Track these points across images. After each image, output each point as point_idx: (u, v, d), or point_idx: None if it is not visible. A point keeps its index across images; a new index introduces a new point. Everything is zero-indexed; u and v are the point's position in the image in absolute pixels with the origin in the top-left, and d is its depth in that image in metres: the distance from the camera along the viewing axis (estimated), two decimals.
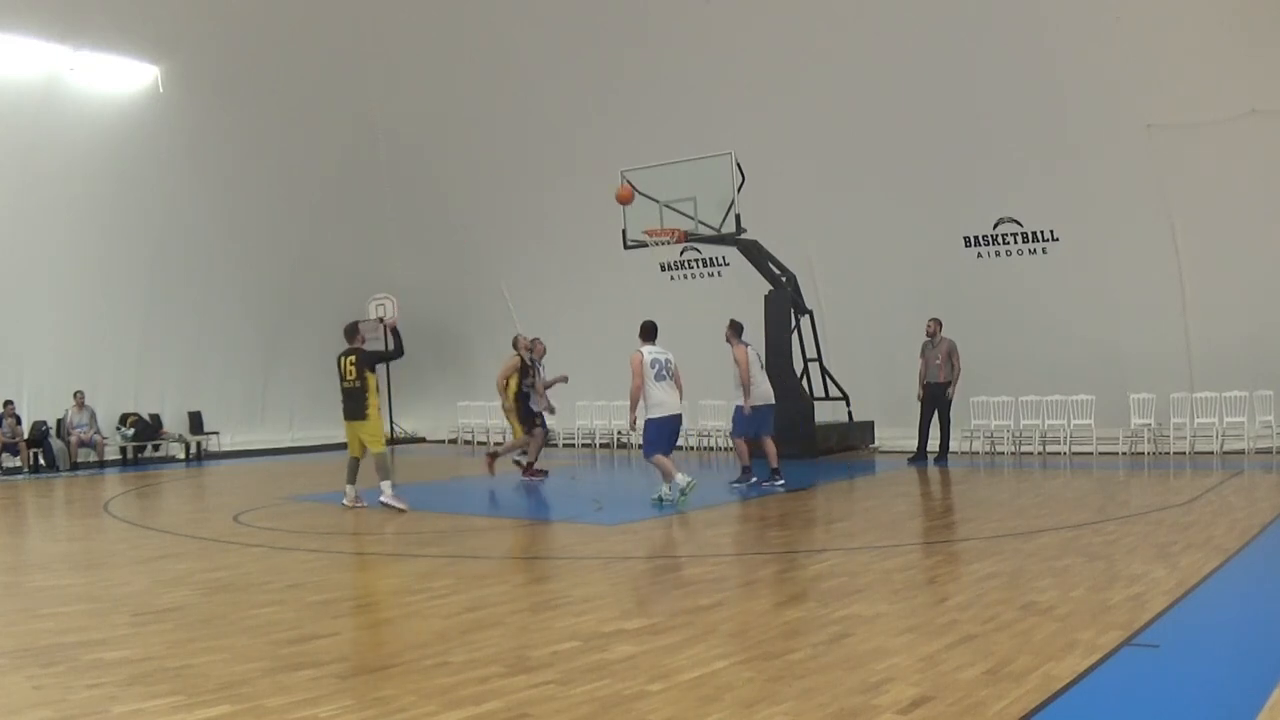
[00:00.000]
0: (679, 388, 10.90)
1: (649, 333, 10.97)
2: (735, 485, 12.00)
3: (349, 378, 10.88)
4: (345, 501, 11.09)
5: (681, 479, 10.64)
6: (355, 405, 10.90)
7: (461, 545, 8.68)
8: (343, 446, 11.80)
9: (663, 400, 10.65)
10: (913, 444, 14.80)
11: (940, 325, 14.49)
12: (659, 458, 10.71)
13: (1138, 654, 4.81)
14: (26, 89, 17.20)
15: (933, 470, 13.75)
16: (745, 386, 11.65)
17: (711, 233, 15.23)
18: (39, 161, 17.35)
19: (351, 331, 11.16)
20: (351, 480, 11.13)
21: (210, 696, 4.48)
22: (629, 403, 10.79)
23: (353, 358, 10.88)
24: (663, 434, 10.75)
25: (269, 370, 21.32)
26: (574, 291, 20.12)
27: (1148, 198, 14.45)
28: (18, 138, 17.11)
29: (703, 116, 17.28)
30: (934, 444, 14.58)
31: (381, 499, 10.79)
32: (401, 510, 10.57)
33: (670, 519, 10.08)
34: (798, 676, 4.57)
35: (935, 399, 14.39)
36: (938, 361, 14.29)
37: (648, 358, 10.67)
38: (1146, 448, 14.54)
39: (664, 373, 10.70)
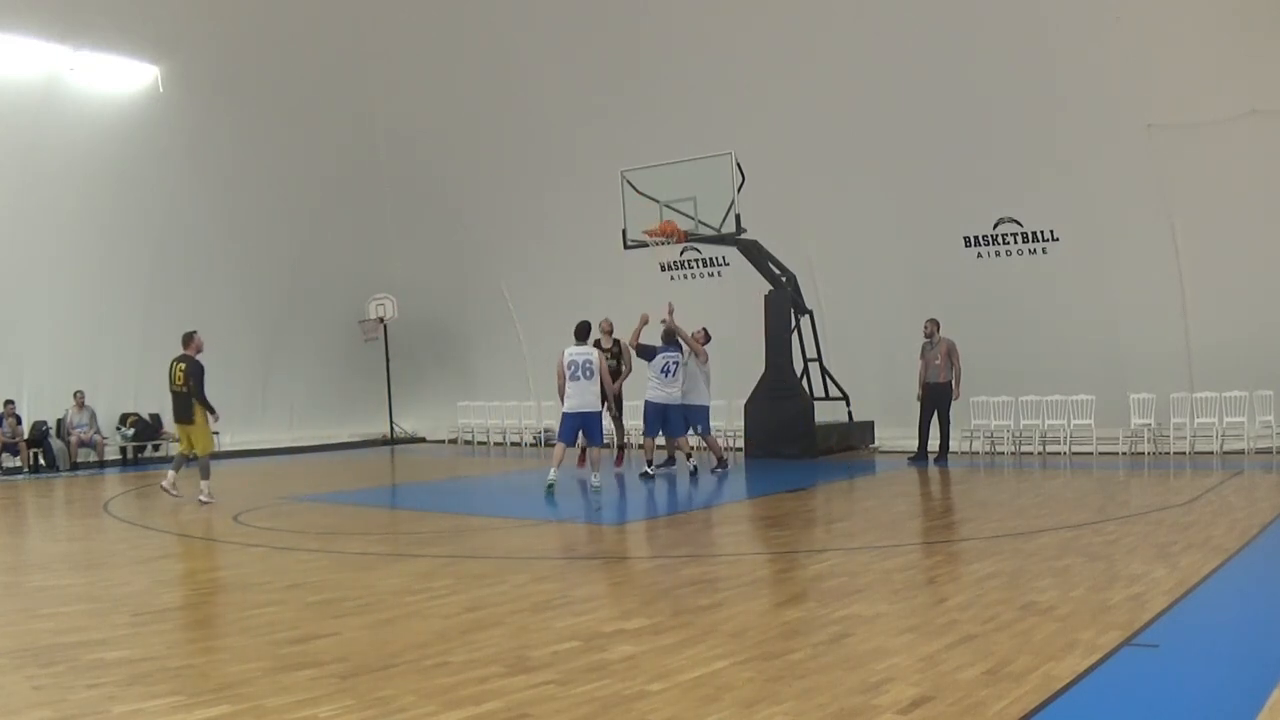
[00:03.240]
0: (604, 386, 12.04)
1: (578, 333, 12.05)
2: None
3: (177, 383, 11.76)
4: (164, 484, 12.00)
5: (552, 474, 11.70)
6: (184, 409, 11.79)
7: (461, 545, 8.68)
8: (342, 446, 11.97)
9: (571, 396, 11.73)
10: (913, 444, 14.79)
11: (938, 326, 14.41)
12: (559, 445, 11.90)
13: (1138, 654, 4.81)
14: (26, 89, 17.19)
15: (933, 470, 13.75)
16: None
17: (711, 233, 15.23)
18: (39, 161, 17.34)
19: (187, 339, 11.99)
20: (177, 468, 12.23)
21: (210, 696, 4.48)
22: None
23: (183, 365, 11.76)
24: (572, 426, 11.85)
25: (269, 370, 21.31)
26: (574, 291, 20.09)
27: (1148, 198, 14.45)
28: (18, 138, 17.10)
29: (703, 116, 17.28)
30: (934, 444, 14.56)
31: (200, 498, 11.70)
32: (210, 503, 11.60)
33: (669, 519, 10.09)
34: (798, 676, 4.57)
35: (935, 399, 14.31)
36: (937, 362, 14.21)
37: (566, 358, 11.73)
38: (1146, 448, 14.53)
39: (579, 372, 11.65)
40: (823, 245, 17.12)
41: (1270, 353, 13.67)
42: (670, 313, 13.44)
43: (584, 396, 11.67)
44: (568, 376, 11.70)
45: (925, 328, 14.46)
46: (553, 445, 19.85)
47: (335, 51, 20.01)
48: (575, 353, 11.79)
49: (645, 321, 13.26)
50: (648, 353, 13.44)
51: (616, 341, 13.66)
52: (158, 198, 18.89)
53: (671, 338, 13.54)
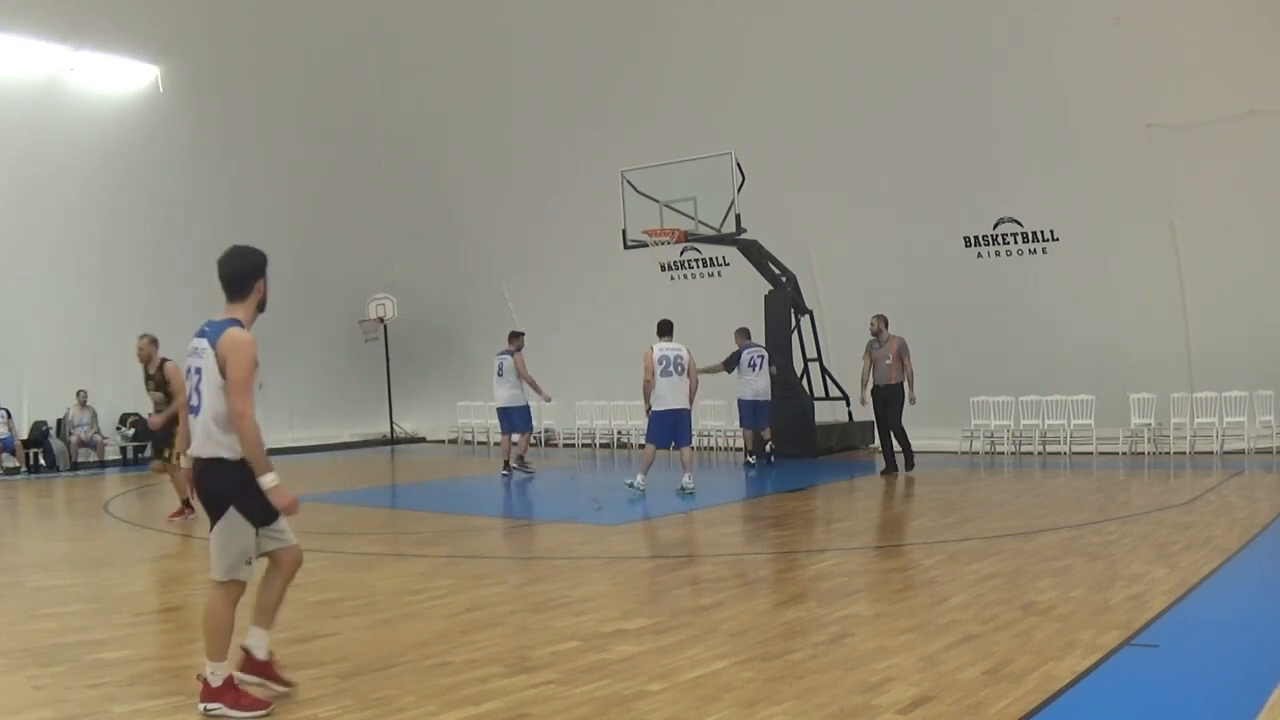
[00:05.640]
0: (692, 383, 11.60)
1: (664, 330, 11.66)
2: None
3: None
4: None
5: (640, 480, 11.35)
6: None
7: (461, 545, 8.68)
8: (342, 446, 11.84)
9: (664, 394, 11.33)
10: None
11: (886, 322, 13.12)
12: (650, 448, 11.49)
13: (1138, 654, 4.81)
14: (26, 89, 17.19)
15: (932, 471, 13.71)
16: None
17: (711, 233, 15.22)
18: (39, 161, 17.33)
19: None
20: None
21: None
22: (643, 395, 11.58)
23: None
24: (664, 426, 11.41)
25: (269, 370, 21.20)
26: (574, 292, 20.12)
27: (1148, 198, 14.44)
28: (18, 138, 17.09)
29: (704, 116, 17.27)
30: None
31: None
32: None
33: (670, 519, 10.09)
34: (798, 676, 4.57)
35: (886, 403, 12.94)
36: (887, 362, 12.80)
37: (657, 353, 11.32)
38: (1146, 448, 14.53)
39: (671, 368, 11.32)
40: (823, 245, 17.12)
41: (1270, 353, 13.68)
42: None
43: (677, 394, 11.35)
44: (658, 372, 11.26)
45: (871, 324, 13.11)
46: (553, 445, 20.05)
47: (335, 51, 20.00)
48: (667, 349, 11.39)
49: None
50: (735, 359, 14.46)
51: (161, 367, 10.50)
52: (157, 197, 18.87)
53: (748, 335, 14.71)
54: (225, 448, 4.31)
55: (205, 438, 4.33)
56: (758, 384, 14.43)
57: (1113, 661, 4.65)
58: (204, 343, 4.37)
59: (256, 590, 4.50)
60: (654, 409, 11.43)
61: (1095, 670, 4.52)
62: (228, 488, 4.32)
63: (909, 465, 13.19)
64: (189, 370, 4.42)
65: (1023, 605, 5.72)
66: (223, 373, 4.27)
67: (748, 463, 14.88)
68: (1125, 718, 4.08)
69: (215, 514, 4.34)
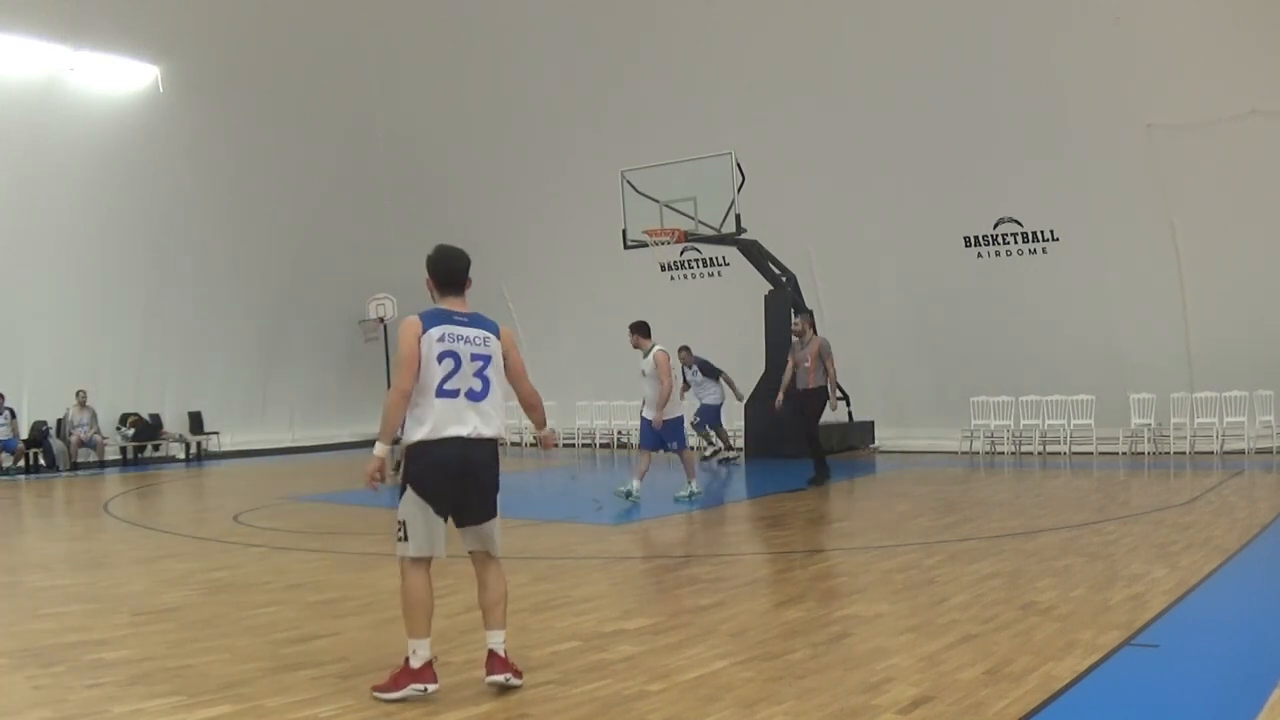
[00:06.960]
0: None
1: (650, 332, 11.08)
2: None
3: None
4: None
5: (696, 486, 11.12)
6: None
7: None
8: (344, 446, 11.77)
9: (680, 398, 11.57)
10: (909, 444, 14.76)
11: (813, 324, 12.19)
12: (687, 451, 11.32)
13: (1138, 654, 4.81)
14: (26, 89, 17.20)
15: (932, 471, 13.71)
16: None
17: (711, 233, 15.23)
18: (39, 161, 17.35)
19: None
20: None
21: (210, 696, 4.48)
22: (662, 402, 10.77)
23: None
24: (682, 429, 11.40)
25: (269, 370, 21.31)
26: (574, 292, 20.11)
27: (1148, 198, 14.45)
28: (18, 138, 17.11)
29: (704, 117, 17.28)
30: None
31: None
32: None
33: (669, 519, 10.09)
34: (798, 676, 4.57)
35: (802, 409, 11.83)
36: (806, 364, 11.65)
37: (673, 357, 11.34)
38: (1146, 448, 14.53)
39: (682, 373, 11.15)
40: (823, 245, 17.12)
41: (1270, 353, 13.68)
42: None
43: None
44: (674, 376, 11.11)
45: (795, 325, 12.18)
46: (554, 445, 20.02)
47: (335, 52, 20.01)
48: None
49: None
50: (712, 370, 15.42)
51: None
52: (157, 198, 18.90)
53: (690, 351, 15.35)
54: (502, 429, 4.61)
55: (495, 418, 4.59)
56: (718, 391, 15.62)
57: (1113, 661, 4.65)
58: (483, 333, 4.69)
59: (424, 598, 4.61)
60: (676, 415, 11.07)
61: (1095, 670, 4.51)
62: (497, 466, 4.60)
63: (820, 479, 12.03)
64: (458, 355, 4.58)
65: (1023, 605, 5.72)
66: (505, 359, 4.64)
67: (726, 459, 15.54)
68: (1125, 718, 4.07)
69: (494, 489, 4.63)
